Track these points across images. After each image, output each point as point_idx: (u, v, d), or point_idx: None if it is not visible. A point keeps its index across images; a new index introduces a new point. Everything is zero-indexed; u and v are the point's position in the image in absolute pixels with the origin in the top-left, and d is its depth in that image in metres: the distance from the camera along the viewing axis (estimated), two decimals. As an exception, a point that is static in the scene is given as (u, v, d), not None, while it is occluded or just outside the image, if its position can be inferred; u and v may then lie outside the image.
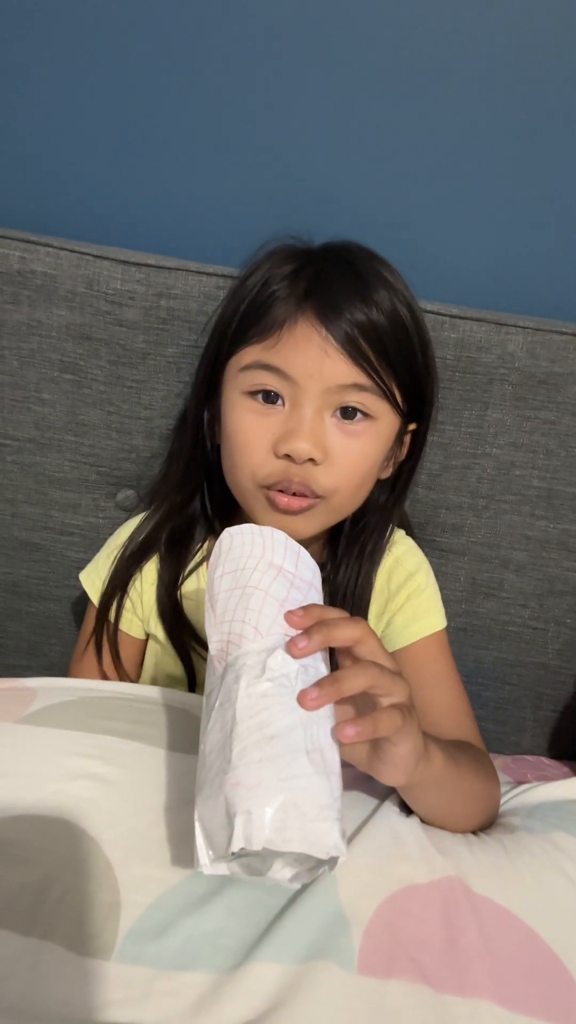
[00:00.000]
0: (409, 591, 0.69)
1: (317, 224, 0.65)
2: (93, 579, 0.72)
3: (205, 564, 0.70)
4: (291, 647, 0.41)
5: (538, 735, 0.89)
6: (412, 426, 0.66)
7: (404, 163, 0.78)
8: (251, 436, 0.60)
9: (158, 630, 0.70)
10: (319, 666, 0.42)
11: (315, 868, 0.39)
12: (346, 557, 0.68)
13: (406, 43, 0.75)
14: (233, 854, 0.36)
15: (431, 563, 0.74)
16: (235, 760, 0.38)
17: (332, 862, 0.37)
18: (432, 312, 0.74)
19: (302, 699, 0.39)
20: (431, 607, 0.70)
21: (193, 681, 0.69)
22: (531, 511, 0.81)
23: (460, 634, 0.85)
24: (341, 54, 0.75)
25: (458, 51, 0.75)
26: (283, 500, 0.60)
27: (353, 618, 0.44)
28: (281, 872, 0.40)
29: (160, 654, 0.71)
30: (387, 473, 0.68)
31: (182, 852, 0.45)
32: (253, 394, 0.60)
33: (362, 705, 0.45)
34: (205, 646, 0.67)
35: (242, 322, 0.60)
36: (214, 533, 0.70)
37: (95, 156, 0.80)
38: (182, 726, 0.56)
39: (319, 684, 0.40)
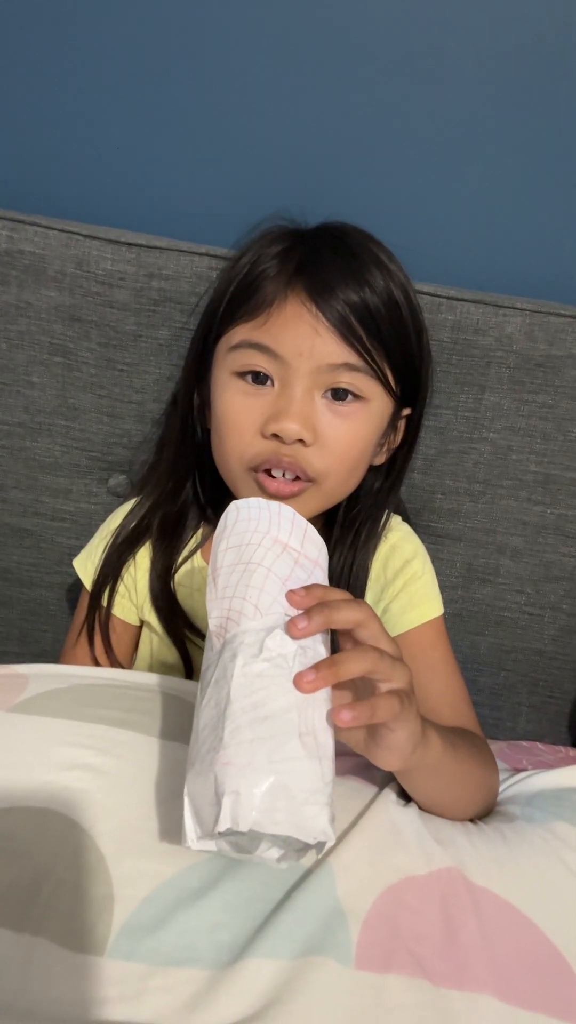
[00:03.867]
0: (406, 578, 0.68)
1: (311, 204, 0.63)
2: (86, 565, 0.71)
3: (199, 551, 0.69)
4: (291, 627, 0.40)
5: (533, 720, 0.89)
6: (406, 411, 0.65)
7: (400, 143, 0.77)
8: (239, 417, 0.59)
9: (152, 617, 0.69)
10: (318, 648, 0.42)
11: (303, 850, 0.39)
12: (340, 544, 0.67)
13: (402, 22, 0.73)
14: (220, 833, 0.36)
15: (427, 549, 0.73)
16: (227, 739, 0.37)
17: (320, 845, 0.37)
18: (428, 294, 0.72)
19: (298, 681, 0.39)
20: (428, 593, 0.69)
21: (189, 669, 0.69)
22: (528, 496, 0.80)
23: (456, 620, 0.85)
24: (337, 33, 0.73)
25: (454, 31, 0.73)
26: (272, 485, 0.60)
27: (356, 600, 0.43)
28: (268, 852, 0.40)
29: (155, 642, 0.70)
30: (381, 459, 0.67)
31: (177, 845, 0.44)
32: (242, 375, 0.59)
33: (361, 689, 0.44)
34: (200, 634, 0.67)
35: (231, 301, 0.59)
36: (207, 520, 0.69)
37: (84, 133, 0.78)
38: (177, 714, 0.55)
39: (316, 667, 0.39)
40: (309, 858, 0.45)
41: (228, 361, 0.59)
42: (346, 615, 0.42)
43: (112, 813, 0.46)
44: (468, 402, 0.77)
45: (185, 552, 0.68)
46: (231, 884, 0.43)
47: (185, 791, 0.39)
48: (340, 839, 0.46)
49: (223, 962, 0.39)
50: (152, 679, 0.61)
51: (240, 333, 0.58)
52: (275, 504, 0.47)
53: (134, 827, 0.45)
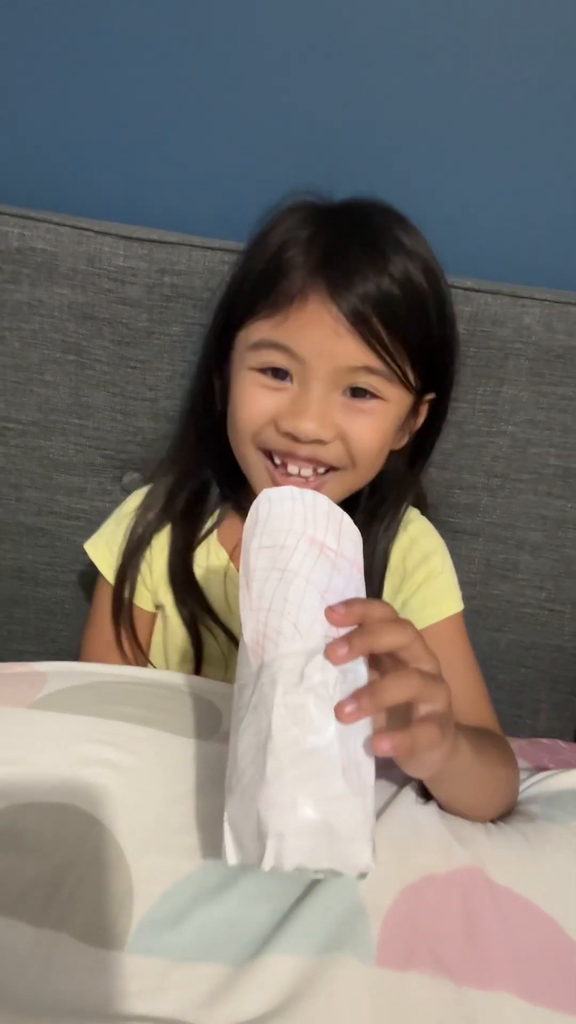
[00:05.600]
0: (426, 572, 0.68)
1: (328, 196, 0.62)
2: (101, 550, 0.71)
3: (215, 533, 0.69)
4: (330, 654, 0.38)
5: (554, 718, 0.88)
6: (429, 396, 0.64)
7: (415, 133, 0.76)
8: (255, 409, 0.59)
9: (167, 598, 0.69)
10: (359, 670, 0.40)
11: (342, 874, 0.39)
12: (363, 530, 0.66)
13: (417, 7, 0.71)
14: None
15: (445, 544, 0.72)
16: (269, 776, 0.36)
17: (361, 875, 0.36)
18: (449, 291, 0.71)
19: (339, 712, 0.37)
20: (448, 589, 0.68)
21: (200, 654, 0.68)
22: (547, 490, 0.79)
23: (475, 616, 0.84)
24: (348, 20, 0.72)
25: (473, 16, 0.71)
26: (287, 482, 0.60)
27: (397, 620, 0.41)
28: (306, 872, 0.39)
29: (168, 628, 0.70)
30: (402, 443, 0.66)
31: (196, 840, 0.44)
32: (262, 370, 0.59)
33: (400, 706, 0.43)
34: (214, 617, 0.67)
35: (254, 290, 0.59)
36: (226, 500, 0.69)
37: (94, 129, 0.77)
38: (195, 712, 0.55)
39: (356, 696, 0.38)
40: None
41: (248, 358, 0.59)
42: (389, 640, 0.40)
43: (132, 809, 0.46)
44: (486, 395, 0.76)
45: (202, 533, 0.68)
46: (251, 880, 0.43)
47: (225, 816, 0.38)
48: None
49: (243, 958, 0.39)
50: (170, 677, 0.61)
51: (260, 331, 0.58)
52: (309, 494, 0.45)
53: (154, 823, 0.45)
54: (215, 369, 0.65)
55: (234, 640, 0.67)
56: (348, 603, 0.41)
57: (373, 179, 0.75)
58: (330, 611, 0.40)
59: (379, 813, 0.48)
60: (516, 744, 0.78)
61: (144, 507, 0.69)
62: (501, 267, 0.76)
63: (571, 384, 0.75)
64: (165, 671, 0.65)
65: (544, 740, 0.84)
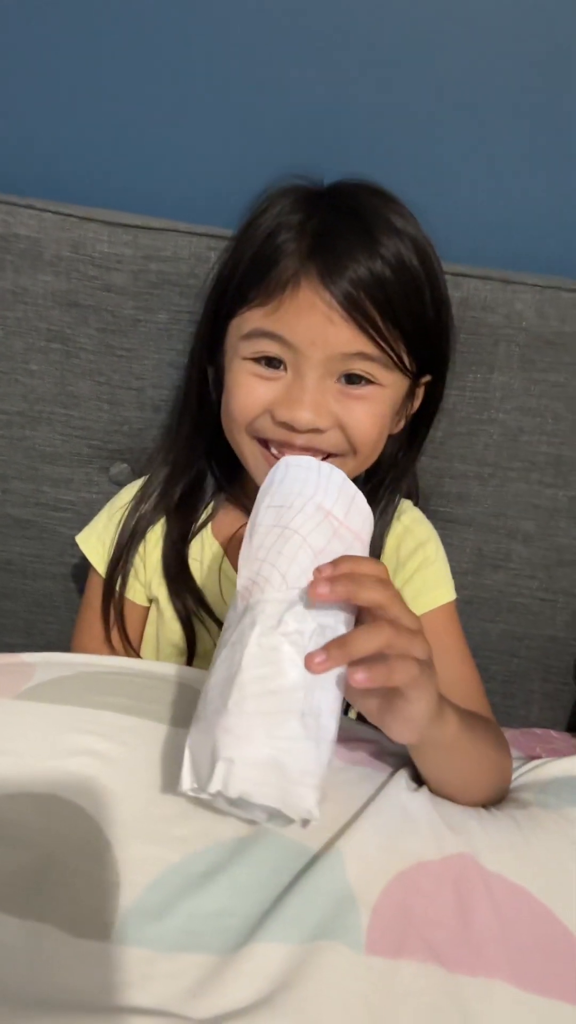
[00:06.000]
0: (419, 561, 0.67)
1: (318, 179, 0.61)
2: (93, 543, 0.70)
3: (209, 526, 0.69)
4: (311, 591, 0.39)
5: (546, 708, 0.87)
6: (425, 378, 0.64)
7: (407, 117, 0.75)
8: (250, 399, 0.58)
9: (161, 591, 0.68)
10: (339, 628, 0.41)
11: (290, 821, 0.40)
12: None
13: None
14: (210, 793, 0.38)
15: (437, 534, 0.71)
16: (231, 706, 0.38)
17: (304, 822, 0.38)
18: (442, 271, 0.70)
19: (308, 661, 0.39)
20: (441, 578, 0.68)
21: (194, 648, 0.67)
22: (539, 479, 0.78)
23: (466, 607, 0.83)
24: (336, 2, 0.71)
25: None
26: None
27: (383, 580, 0.42)
28: (255, 813, 0.41)
29: (161, 621, 0.69)
30: (398, 427, 0.65)
31: (184, 830, 0.44)
32: (256, 359, 0.58)
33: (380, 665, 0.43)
34: (208, 610, 0.66)
35: (246, 278, 0.58)
36: (221, 492, 0.69)
37: (78, 114, 0.76)
38: (184, 701, 0.54)
39: (326, 648, 0.39)
40: (318, 843, 0.44)
41: (241, 347, 0.59)
42: (369, 595, 0.41)
43: (119, 799, 0.45)
44: (477, 382, 0.75)
45: (196, 525, 0.68)
46: (238, 869, 0.42)
47: (188, 741, 0.40)
48: (350, 823, 0.45)
49: (230, 947, 0.38)
50: (159, 667, 0.61)
51: (252, 319, 0.57)
52: (326, 467, 0.47)
53: (140, 813, 0.44)
54: (208, 359, 0.64)
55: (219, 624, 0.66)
56: (335, 561, 0.41)
57: (363, 163, 0.74)
58: (318, 569, 0.41)
59: (368, 801, 0.48)
60: (509, 734, 0.78)
61: (138, 500, 0.69)
62: (492, 252, 0.75)
63: (562, 371, 0.74)
64: (154, 662, 0.65)
65: (536, 730, 0.84)
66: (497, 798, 0.56)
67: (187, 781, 0.39)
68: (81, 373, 0.75)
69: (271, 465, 0.59)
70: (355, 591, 0.40)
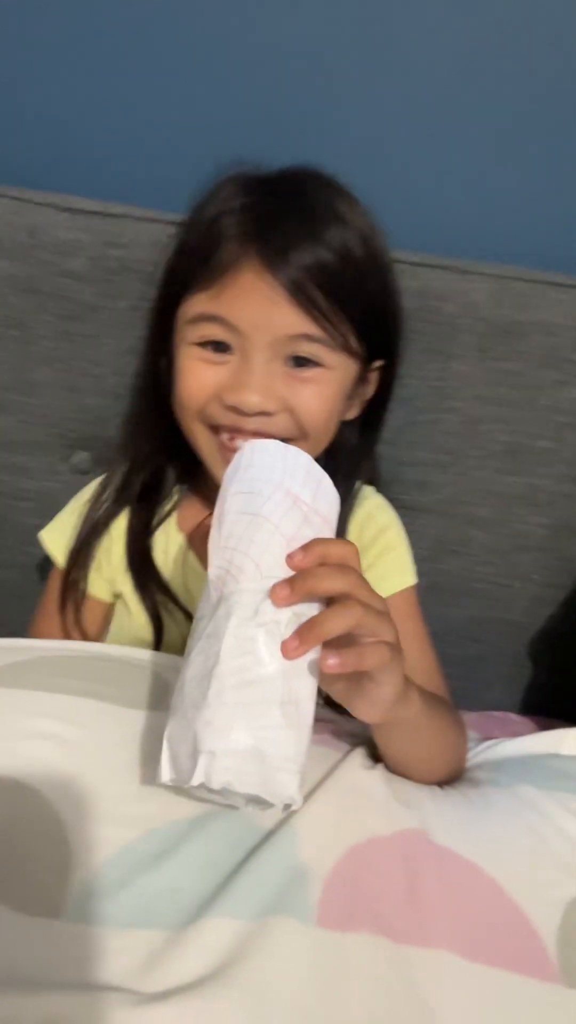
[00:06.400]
0: (381, 547, 0.68)
1: (269, 167, 0.61)
2: (56, 538, 0.70)
3: (173, 516, 0.69)
4: (273, 596, 0.40)
5: (505, 691, 0.89)
6: (377, 363, 0.64)
7: (363, 103, 0.75)
8: (198, 383, 0.58)
9: (126, 586, 0.68)
10: (312, 613, 0.41)
11: (270, 806, 0.41)
12: None
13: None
14: (192, 786, 0.38)
15: (399, 520, 0.72)
16: (211, 699, 0.38)
17: (286, 806, 0.39)
18: (395, 260, 0.71)
19: (284, 649, 0.39)
20: (402, 564, 0.68)
21: (160, 640, 0.68)
22: (497, 466, 0.80)
23: (427, 592, 0.83)
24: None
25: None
26: None
27: (343, 568, 0.42)
28: (236, 800, 0.42)
29: (128, 615, 0.69)
30: (353, 413, 0.66)
31: (139, 810, 0.44)
32: (203, 344, 0.58)
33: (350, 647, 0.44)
34: (174, 600, 0.66)
35: (190, 263, 0.58)
36: (183, 482, 0.69)
37: (33, 97, 0.75)
38: (144, 684, 0.55)
39: (299, 632, 0.39)
40: (272, 820, 0.45)
41: (187, 332, 0.59)
42: (329, 584, 0.41)
43: (74, 780, 0.45)
44: (435, 371, 0.76)
45: (163, 512, 0.68)
46: (193, 847, 0.43)
47: (165, 734, 0.41)
48: (305, 800, 0.46)
49: (181, 923, 0.39)
50: (120, 651, 0.61)
51: (197, 304, 0.57)
52: (292, 450, 0.47)
53: (96, 793, 0.45)
54: (160, 348, 0.64)
55: (185, 613, 0.66)
56: (306, 546, 0.41)
57: (319, 149, 0.74)
58: (290, 556, 0.41)
59: (324, 778, 0.48)
60: (468, 716, 0.79)
61: (98, 493, 0.68)
62: (448, 242, 0.76)
63: (519, 360, 0.75)
64: (113, 645, 0.65)
65: (496, 713, 0.85)
66: (453, 777, 0.57)
67: (167, 773, 0.40)
68: (40, 360, 0.75)
69: (224, 453, 0.60)
70: (316, 584, 0.40)
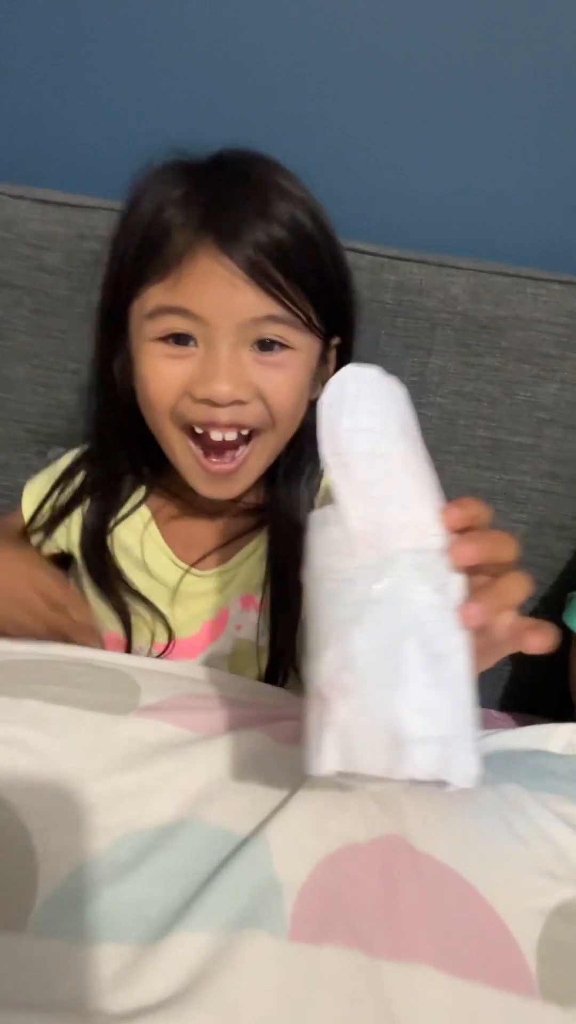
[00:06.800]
0: None
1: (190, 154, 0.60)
2: (31, 495, 0.70)
3: (138, 511, 0.67)
4: (456, 556, 0.36)
5: (487, 688, 0.89)
6: (335, 341, 0.64)
7: (342, 96, 0.74)
8: (165, 383, 0.57)
9: (80, 561, 0.68)
10: (460, 575, 0.38)
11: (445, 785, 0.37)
12: (285, 485, 0.66)
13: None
14: (392, 779, 0.34)
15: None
16: (409, 676, 0.34)
17: (466, 783, 0.36)
18: (370, 253, 0.71)
19: (464, 616, 0.36)
20: None
21: (130, 640, 0.67)
22: (476, 462, 0.79)
23: (408, 589, 0.84)
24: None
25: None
26: (214, 467, 0.59)
27: (504, 533, 0.39)
28: (365, 781, 0.37)
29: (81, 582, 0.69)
30: (317, 393, 0.65)
31: (108, 819, 0.43)
32: (164, 339, 0.57)
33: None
34: (140, 597, 0.65)
35: (139, 258, 0.56)
36: (145, 481, 0.68)
37: (4, 91, 0.74)
38: (114, 687, 0.53)
39: (477, 598, 0.36)
40: (244, 828, 0.44)
41: (146, 328, 0.57)
42: (507, 554, 0.39)
43: (40, 788, 0.44)
44: (414, 366, 0.76)
45: (128, 507, 0.67)
46: (162, 857, 0.41)
47: (327, 719, 0.35)
48: (279, 809, 0.45)
49: (149, 937, 0.38)
50: (90, 653, 0.59)
51: (153, 297, 0.56)
52: (387, 380, 0.42)
53: (63, 802, 0.43)
54: (112, 349, 0.63)
55: (152, 609, 0.66)
56: (461, 504, 0.39)
57: (296, 141, 0.74)
58: (448, 511, 0.38)
59: (300, 783, 0.47)
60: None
61: (67, 478, 0.68)
62: (427, 236, 0.76)
63: (497, 355, 0.75)
64: (87, 648, 0.63)
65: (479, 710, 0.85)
66: None
67: (328, 761, 0.35)
68: (15, 356, 0.74)
69: (200, 459, 0.59)
70: (496, 552, 0.38)
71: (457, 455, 0.79)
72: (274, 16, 0.72)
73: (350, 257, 0.71)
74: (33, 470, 0.78)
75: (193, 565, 0.66)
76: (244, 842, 0.43)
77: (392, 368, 0.73)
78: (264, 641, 0.66)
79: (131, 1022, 0.33)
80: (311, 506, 0.66)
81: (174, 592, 0.65)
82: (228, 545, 0.66)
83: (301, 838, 0.44)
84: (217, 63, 0.73)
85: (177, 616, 0.66)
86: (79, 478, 0.67)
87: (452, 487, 0.79)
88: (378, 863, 0.44)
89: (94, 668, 0.56)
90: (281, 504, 0.66)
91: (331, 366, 0.65)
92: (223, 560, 0.67)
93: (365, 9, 0.72)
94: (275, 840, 0.43)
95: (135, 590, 0.65)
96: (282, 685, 0.66)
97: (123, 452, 0.67)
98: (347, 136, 0.76)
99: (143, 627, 0.66)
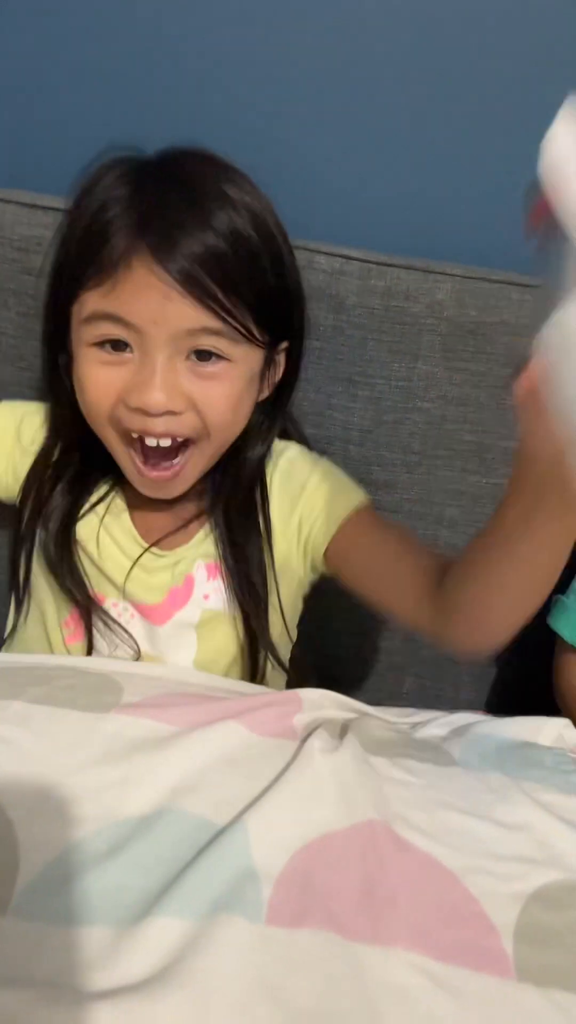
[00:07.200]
0: (317, 477, 0.67)
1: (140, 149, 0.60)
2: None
3: (102, 504, 0.67)
4: None
5: (473, 690, 0.89)
6: (283, 345, 0.64)
7: (326, 99, 0.75)
8: (101, 390, 0.57)
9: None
10: None
11: None
12: (225, 483, 0.66)
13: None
14: None
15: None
16: None
17: None
18: (359, 259, 0.71)
19: None
20: (343, 486, 0.68)
21: (91, 644, 0.66)
22: (463, 466, 0.80)
23: (395, 592, 0.84)
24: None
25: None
26: (153, 473, 0.60)
27: None
28: None
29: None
30: (264, 395, 0.65)
31: (89, 809, 0.44)
32: (100, 344, 0.57)
33: None
34: (85, 591, 0.64)
35: (78, 259, 0.56)
36: (111, 473, 0.67)
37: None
38: (98, 690, 0.54)
39: None
40: (223, 817, 0.44)
41: (83, 332, 0.57)
42: None
43: (23, 781, 0.45)
44: (401, 371, 0.76)
45: (95, 497, 0.67)
46: (140, 845, 0.42)
47: None
48: (259, 797, 0.46)
49: (127, 921, 0.38)
50: (81, 661, 0.62)
51: (90, 302, 0.56)
52: None
53: (45, 794, 0.44)
54: (58, 345, 0.63)
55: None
56: None
57: (280, 146, 0.75)
58: None
59: (280, 772, 0.48)
60: (437, 715, 0.80)
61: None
62: (414, 242, 0.76)
63: (483, 360, 0.76)
64: (78, 657, 0.64)
65: (464, 713, 0.86)
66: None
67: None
68: (2, 358, 0.74)
69: (138, 465, 0.59)
70: None
71: (444, 459, 0.79)
72: (272, 16, 0.72)
73: (338, 263, 0.72)
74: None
75: (153, 545, 0.65)
76: (223, 831, 0.43)
77: (379, 373, 0.75)
78: (235, 611, 0.66)
79: (109, 1000, 0.34)
80: (260, 499, 0.66)
81: (133, 566, 0.65)
82: (187, 527, 0.67)
83: (280, 826, 0.44)
84: (208, 67, 0.73)
85: (138, 584, 0.66)
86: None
87: (438, 490, 0.81)
88: (357, 849, 0.44)
89: (79, 672, 0.57)
90: (227, 507, 0.66)
91: (279, 369, 0.65)
92: (185, 541, 0.67)
93: (362, 5, 0.72)
94: (254, 828, 0.43)
95: (86, 583, 0.65)
96: (262, 665, 0.67)
97: (79, 449, 0.66)
98: (328, 140, 0.76)
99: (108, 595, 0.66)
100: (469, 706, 0.89)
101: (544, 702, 0.79)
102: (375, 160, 0.77)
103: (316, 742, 0.50)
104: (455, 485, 0.81)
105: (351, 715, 0.58)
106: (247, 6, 0.71)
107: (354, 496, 0.67)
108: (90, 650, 0.66)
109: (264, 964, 0.37)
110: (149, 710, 0.52)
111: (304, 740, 0.51)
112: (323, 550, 0.65)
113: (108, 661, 0.63)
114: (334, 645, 0.85)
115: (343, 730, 0.54)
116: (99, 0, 0.71)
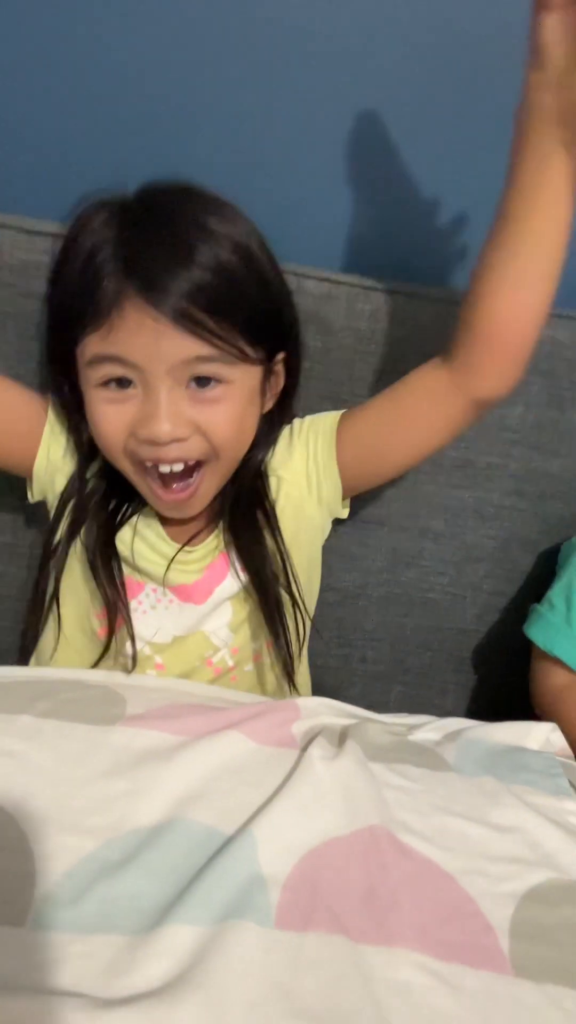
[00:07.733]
0: (301, 429, 0.71)
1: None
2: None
3: (136, 515, 0.69)
4: None
5: (459, 697, 0.92)
6: (280, 356, 0.66)
7: (310, 127, 0.76)
8: (112, 426, 0.60)
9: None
10: None
11: None
12: (236, 492, 0.68)
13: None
14: None
15: (353, 534, 0.75)
16: None
17: None
18: (347, 284, 0.74)
19: None
20: (322, 415, 0.71)
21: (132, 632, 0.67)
22: (447, 480, 0.83)
23: (382, 603, 0.87)
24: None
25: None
26: (169, 496, 0.62)
27: None
28: None
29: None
30: (269, 406, 0.68)
31: (101, 820, 0.45)
32: (106, 384, 0.60)
33: None
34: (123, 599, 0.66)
35: (74, 303, 0.59)
36: (132, 499, 0.69)
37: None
38: (101, 701, 0.56)
39: None
40: (230, 826, 0.46)
41: (88, 375, 0.60)
42: None
43: (36, 794, 0.46)
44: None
45: (131, 509, 0.69)
46: (152, 855, 0.44)
47: None
48: (265, 805, 0.47)
49: (143, 928, 0.40)
50: (84, 674, 0.63)
51: (91, 346, 0.59)
52: None
53: (58, 806, 0.46)
54: (66, 384, 0.65)
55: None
56: None
57: (274, 175, 0.76)
58: None
59: (283, 781, 0.50)
60: (429, 719, 0.82)
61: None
62: (398, 268, 0.79)
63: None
64: (80, 670, 0.66)
65: (450, 720, 0.88)
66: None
67: None
68: (0, 381, 0.75)
69: (155, 491, 0.62)
70: None
71: (429, 474, 0.82)
72: (262, 44, 0.74)
73: (326, 287, 0.75)
74: (25, 498, 0.79)
75: (185, 544, 0.68)
76: (231, 839, 0.45)
77: (366, 392, 0.77)
78: (253, 590, 0.68)
79: (129, 1006, 0.35)
80: (271, 501, 0.69)
81: (169, 565, 0.67)
82: (210, 524, 0.70)
83: (285, 833, 0.46)
84: (202, 96, 0.75)
85: (174, 572, 0.68)
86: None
87: (424, 504, 0.84)
88: (359, 854, 0.47)
89: (83, 685, 0.59)
90: (238, 511, 0.68)
91: (280, 378, 0.68)
92: (209, 534, 0.69)
93: (351, 33, 0.75)
94: (261, 836, 0.45)
95: (120, 583, 0.67)
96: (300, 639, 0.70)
97: (106, 475, 0.68)
98: (325, 172, 0.78)
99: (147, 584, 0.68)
100: (453, 712, 0.91)
101: (524, 707, 0.82)
102: (362, 190, 0.79)
103: (316, 750, 0.52)
104: (440, 499, 0.84)
105: (348, 721, 0.60)
106: (242, 35, 0.73)
107: (333, 413, 0.71)
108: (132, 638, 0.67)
109: (275, 966, 0.39)
110: (153, 721, 0.54)
111: (304, 748, 0.53)
112: (335, 465, 0.69)
113: (107, 673, 0.64)
114: (323, 655, 0.87)
115: (342, 736, 0.56)
116: (98, 26, 0.72)
